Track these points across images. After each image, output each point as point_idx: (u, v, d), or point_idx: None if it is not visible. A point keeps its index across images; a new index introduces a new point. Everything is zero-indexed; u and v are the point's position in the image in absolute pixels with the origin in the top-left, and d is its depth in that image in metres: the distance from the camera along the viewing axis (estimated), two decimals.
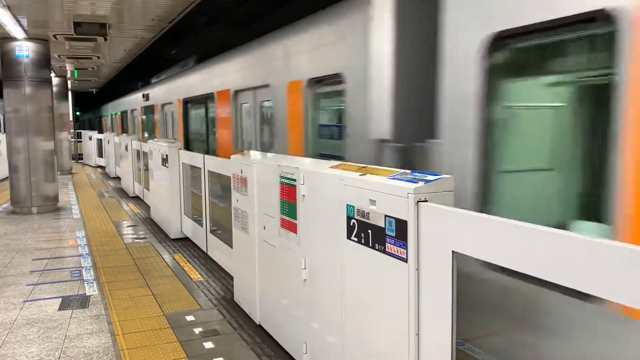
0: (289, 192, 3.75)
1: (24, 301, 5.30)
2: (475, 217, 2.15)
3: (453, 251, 2.23)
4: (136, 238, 8.26)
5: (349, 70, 4.90)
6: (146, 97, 15.83)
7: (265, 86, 7.01)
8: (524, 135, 3.25)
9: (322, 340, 3.39)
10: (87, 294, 5.49)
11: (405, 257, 2.47)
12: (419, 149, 3.54)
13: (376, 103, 3.98)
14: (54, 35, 10.39)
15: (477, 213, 2.18)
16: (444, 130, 3.33)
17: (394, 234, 2.55)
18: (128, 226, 9.23)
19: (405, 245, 2.47)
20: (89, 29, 9.30)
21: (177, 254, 7.22)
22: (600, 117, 2.46)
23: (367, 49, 4.16)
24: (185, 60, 12.88)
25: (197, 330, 4.53)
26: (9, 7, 7.99)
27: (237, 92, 8.18)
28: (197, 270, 6.40)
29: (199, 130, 10.90)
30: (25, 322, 4.75)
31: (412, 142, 3.65)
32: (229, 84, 8.44)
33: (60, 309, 5.07)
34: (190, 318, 4.82)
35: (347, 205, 2.96)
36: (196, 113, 10.92)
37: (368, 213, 2.76)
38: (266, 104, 7.19)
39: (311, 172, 3.45)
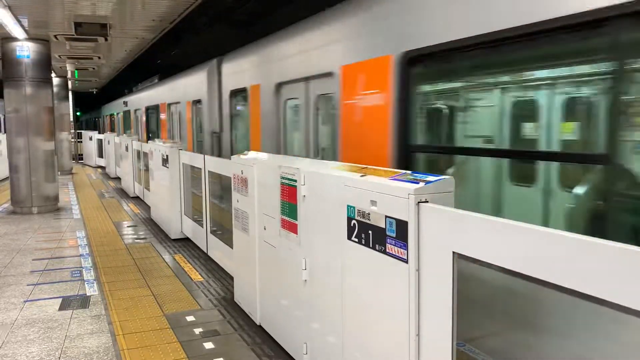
0: (289, 193, 3.75)
1: (24, 301, 5.30)
2: (476, 218, 2.15)
3: (453, 252, 2.23)
4: (136, 238, 8.26)
5: (203, 98, 9.64)
6: (125, 103, 21.00)
7: (178, 102, 11.95)
8: (244, 128, 7.94)
9: (323, 341, 3.39)
10: (88, 294, 5.50)
11: (406, 258, 2.48)
12: (220, 135, 8.71)
13: (212, 115, 9.12)
14: (55, 36, 10.40)
15: (477, 214, 2.18)
16: (223, 127, 8.63)
17: (394, 235, 2.55)
18: (128, 226, 9.23)
19: (405, 246, 2.47)
20: (90, 29, 9.31)
21: (178, 255, 7.22)
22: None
23: (208, 89, 9.32)
24: (150, 77, 17.88)
25: (197, 331, 4.53)
26: (9, 7, 7.99)
27: (169, 105, 13.09)
28: (197, 271, 6.40)
29: (153, 129, 15.66)
30: (26, 322, 4.75)
31: (220, 133, 8.78)
32: (166, 99, 13.48)
33: (60, 309, 5.08)
34: (190, 318, 4.82)
35: (348, 205, 2.97)
36: (153, 117, 15.76)
37: (369, 214, 2.76)
38: (184, 113, 11.64)
39: (312, 172, 3.45)
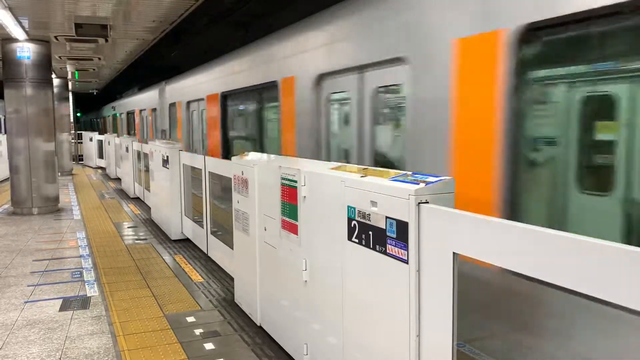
0: (289, 194, 3.76)
1: (25, 302, 5.30)
2: (476, 218, 2.16)
3: (454, 252, 2.23)
4: (137, 239, 8.26)
5: (158, 107, 14.25)
6: (114, 108, 26.13)
7: (145, 109, 16.63)
8: (176, 127, 12.55)
9: (323, 342, 3.40)
10: (88, 295, 5.50)
11: (406, 259, 2.48)
12: (166, 132, 13.31)
13: (163, 119, 13.69)
14: (55, 37, 10.40)
15: (478, 215, 2.18)
16: (169, 126, 13.26)
17: (394, 236, 2.56)
18: (129, 227, 9.24)
19: (406, 247, 2.48)
20: (90, 30, 9.31)
21: (178, 255, 7.23)
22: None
23: (159, 101, 14.17)
24: (131, 88, 24.25)
25: (197, 332, 4.54)
26: (10, 8, 8.00)
27: (140, 110, 17.86)
28: (197, 272, 6.40)
29: (132, 128, 20.57)
30: (26, 323, 4.75)
31: (166, 130, 13.40)
32: (138, 106, 18.31)
33: (61, 309, 5.08)
34: (190, 319, 4.83)
35: (348, 206, 2.97)
36: (130, 119, 20.76)
37: (369, 214, 2.77)
38: (148, 117, 16.38)
39: (312, 173, 3.46)
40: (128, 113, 20.61)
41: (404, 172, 2.83)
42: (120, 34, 10.42)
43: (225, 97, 8.54)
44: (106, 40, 10.28)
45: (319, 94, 5.32)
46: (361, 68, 4.69)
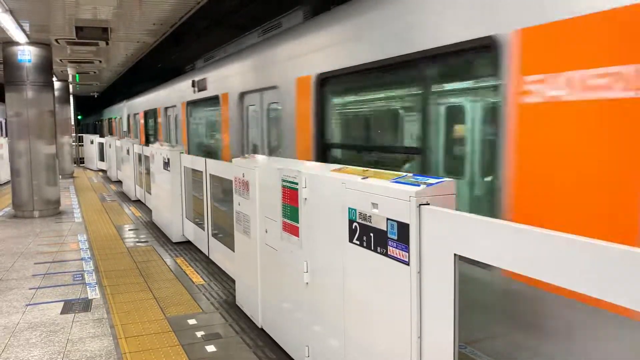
0: (290, 196, 3.76)
1: (27, 305, 5.31)
2: (477, 220, 2.16)
3: (455, 254, 2.24)
4: (138, 242, 8.27)
5: (125, 115, 22.12)
6: (102, 114, 32.85)
7: (116, 117, 25.24)
8: (136, 130, 19.77)
9: (325, 344, 3.40)
10: (90, 298, 5.50)
11: (407, 260, 2.48)
12: (127, 132, 21.55)
13: (126, 125, 21.82)
14: (56, 40, 10.42)
15: (479, 216, 2.18)
16: (128, 129, 21.69)
17: (395, 237, 2.56)
18: (130, 230, 9.25)
19: (407, 249, 2.48)
20: (91, 33, 9.33)
21: (179, 258, 7.23)
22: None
23: (125, 113, 22.02)
24: (115, 99, 28.82)
25: (199, 334, 4.54)
26: (11, 12, 8.02)
27: (128, 116, 21.52)
28: (198, 274, 6.41)
29: (110, 130, 28.29)
30: (28, 325, 4.76)
31: (127, 132, 21.84)
32: (114, 115, 26.28)
33: (62, 312, 5.08)
34: (192, 321, 4.83)
35: (349, 208, 2.97)
36: (110, 124, 28.35)
37: (370, 216, 2.77)
38: (118, 122, 24.96)
39: (313, 175, 3.46)
40: (109, 119, 29.71)
41: (405, 173, 2.83)
42: (121, 37, 10.44)
43: (145, 113, 16.08)
44: (107, 43, 10.30)
45: (167, 114, 12.73)
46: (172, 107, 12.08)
